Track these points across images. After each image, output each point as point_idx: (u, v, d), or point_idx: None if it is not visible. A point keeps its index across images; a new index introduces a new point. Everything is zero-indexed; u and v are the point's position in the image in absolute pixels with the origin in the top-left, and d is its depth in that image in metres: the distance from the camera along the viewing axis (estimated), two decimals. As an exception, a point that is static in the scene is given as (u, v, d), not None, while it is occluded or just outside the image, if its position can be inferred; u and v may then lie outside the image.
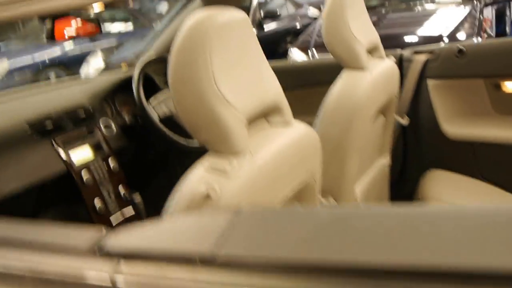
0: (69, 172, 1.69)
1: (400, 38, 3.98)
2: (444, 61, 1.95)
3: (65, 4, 1.20)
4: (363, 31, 1.57)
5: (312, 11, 6.10)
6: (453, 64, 1.93)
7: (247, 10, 6.23)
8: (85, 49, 6.88)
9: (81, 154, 1.75)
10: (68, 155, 1.71)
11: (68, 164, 1.70)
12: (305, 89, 2.13)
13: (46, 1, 1.14)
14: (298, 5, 7.21)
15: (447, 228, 0.49)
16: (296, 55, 4.50)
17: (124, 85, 2.04)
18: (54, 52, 6.84)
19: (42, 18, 6.96)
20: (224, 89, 0.88)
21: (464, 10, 4.36)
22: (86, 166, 1.75)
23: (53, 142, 1.69)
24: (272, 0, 6.93)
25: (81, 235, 0.66)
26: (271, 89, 1.02)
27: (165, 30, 2.16)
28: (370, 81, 1.52)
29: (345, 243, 0.51)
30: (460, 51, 1.91)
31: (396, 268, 0.45)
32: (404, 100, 1.96)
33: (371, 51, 1.66)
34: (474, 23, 4.11)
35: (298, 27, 6.56)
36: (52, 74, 6.66)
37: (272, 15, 6.30)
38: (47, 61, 6.68)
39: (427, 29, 4.11)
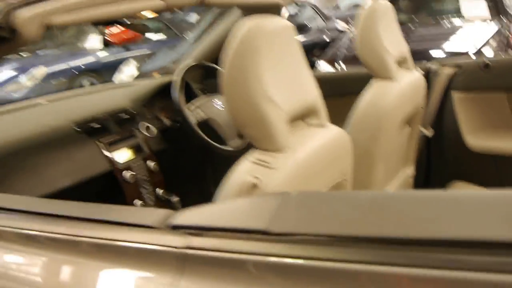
0: (113, 171, 1.78)
1: (427, 53, 4.03)
2: (470, 74, 1.99)
3: (123, 10, 1.30)
4: (393, 43, 1.63)
5: (341, 25, 6.17)
6: (479, 77, 1.97)
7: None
8: (118, 57, 7.09)
9: (124, 155, 1.84)
10: (112, 154, 1.80)
11: (112, 163, 1.78)
12: (335, 98, 2.19)
13: (107, 7, 1.25)
14: (327, 18, 7.29)
15: (473, 207, 0.57)
16: (324, 67, 4.58)
17: (162, 91, 2.13)
18: (88, 59, 7.06)
19: (95, 24, 7.17)
20: (271, 90, 0.97)
21: (493, 27, 4.37)
22: (128, 166, 1.83)
23: (99, 142, 1.78)
24: (302, 13, 7.02)
25: (152, 214, 0.75)
26: (311, 93, 1.11)
27: (203, 39, 2.25)
28: (398, 91, 1.58)
29: (385, 219, 0.59)
30: (486, 65, 1.95)
31: (429, 239, 0.53)
32: (430, 111, 2.01)
33: (400, 62, 1.72)
34: (502, 41, 4.13)
35: (327, 40, 6.64)
36: (85, 81, 6.87)
37: (301, 28, 6.38)
38: (82, 67, 6.88)
39: (455, 45, 4.15)
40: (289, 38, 1.08)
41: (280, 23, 1.05)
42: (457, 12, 4.67)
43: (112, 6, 1.26)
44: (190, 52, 2.28)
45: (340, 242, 0.58)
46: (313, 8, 7.29)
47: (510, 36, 4.23)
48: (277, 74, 1.01)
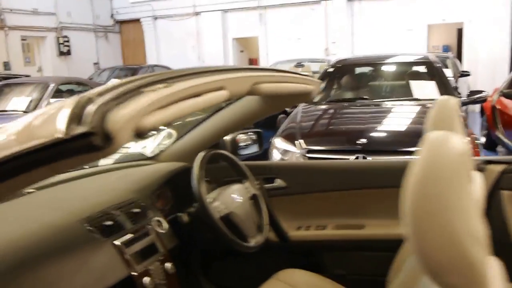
0: (131, 277, 1.48)
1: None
2: None
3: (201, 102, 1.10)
4: None
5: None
6: None
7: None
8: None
9: (141, 257, 1.55)
10: (130, 258, 1.50)
11: (131, 268, 1.49)
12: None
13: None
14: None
15: None
16: (281, 146, 4.20)
17: (170, 179, 1.94)
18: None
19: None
20: (474, 225, 0.78)
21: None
22: (146, 270, 1.55)
23: (116, 244, 1.48)
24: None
25: None
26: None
27: (207, 124, 2.06)
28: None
29: None
30: None
31: None
32: None
33: None
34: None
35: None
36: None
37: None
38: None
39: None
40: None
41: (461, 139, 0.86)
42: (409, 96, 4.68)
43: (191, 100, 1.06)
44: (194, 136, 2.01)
45: None
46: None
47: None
48: (469, 202, 0.81)
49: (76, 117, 0.74)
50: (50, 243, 1.34)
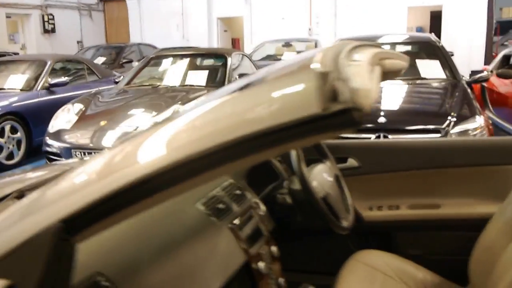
0: (248, 262, 1.42)
1: None
2: None
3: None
4: None
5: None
6: None
7: (224, 72, 6.11)
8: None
9: (252, 240, 1.48)
10: (245, 242, 1.44)
11: (247, 252, 1.43)
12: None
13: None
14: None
15: None
16: None
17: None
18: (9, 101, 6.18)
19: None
20: None
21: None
22: (258, 253, 1.48)
23: (232, 228, 1.42)
24: (241, 65, 6.88)
25: None
26: None
27: None
28: None
29: None
30: None
31: None
32: None
33: None
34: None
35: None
36: (7, 127, 5.96)
37: (245, 78, 6.23)
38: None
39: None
40: None
41: None
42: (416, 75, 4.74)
43: None
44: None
45: None
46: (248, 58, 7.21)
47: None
48: None
49: (329, 93, 0.69)
50: (179, 229, 1.31)
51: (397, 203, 1.96)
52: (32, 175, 1.85)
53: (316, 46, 10.71)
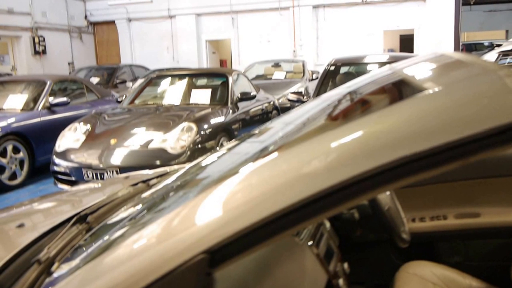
0: (329, 280, 1.33)
1: None
2: None
3: None
4: None
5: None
6: None
7: (226, 91, 6.00)
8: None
9: (327, 258, 1.39)
10: (324, 260, 1.35)
11: (327, 271, 1.34)
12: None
13: None
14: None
15: None
16: None
17: None
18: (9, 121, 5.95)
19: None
20: None
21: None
22: (335, 272, 1.40)
23: (311, 246, 1.34)
24: (240, 84, 6.82)
25: None
26: None
27: None
28: None
29: None
30: None
31: None
32: None
33: None
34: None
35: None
36: (9, 147, 5.72)
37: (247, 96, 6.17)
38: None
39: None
40: None
41: None
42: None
43: None
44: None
45: None
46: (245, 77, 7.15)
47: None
48: None
49: None
50: (273, 250, 1.21)
51: (437, 213, 1.96)
52: (41, 206, 1.87)
53: (303, 66, 10.71)
